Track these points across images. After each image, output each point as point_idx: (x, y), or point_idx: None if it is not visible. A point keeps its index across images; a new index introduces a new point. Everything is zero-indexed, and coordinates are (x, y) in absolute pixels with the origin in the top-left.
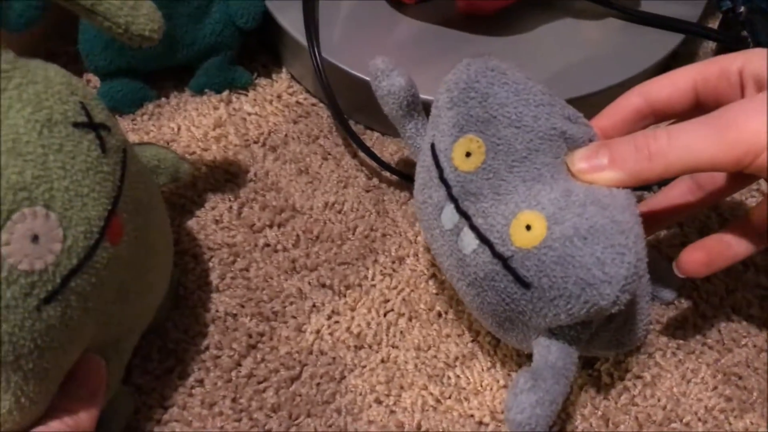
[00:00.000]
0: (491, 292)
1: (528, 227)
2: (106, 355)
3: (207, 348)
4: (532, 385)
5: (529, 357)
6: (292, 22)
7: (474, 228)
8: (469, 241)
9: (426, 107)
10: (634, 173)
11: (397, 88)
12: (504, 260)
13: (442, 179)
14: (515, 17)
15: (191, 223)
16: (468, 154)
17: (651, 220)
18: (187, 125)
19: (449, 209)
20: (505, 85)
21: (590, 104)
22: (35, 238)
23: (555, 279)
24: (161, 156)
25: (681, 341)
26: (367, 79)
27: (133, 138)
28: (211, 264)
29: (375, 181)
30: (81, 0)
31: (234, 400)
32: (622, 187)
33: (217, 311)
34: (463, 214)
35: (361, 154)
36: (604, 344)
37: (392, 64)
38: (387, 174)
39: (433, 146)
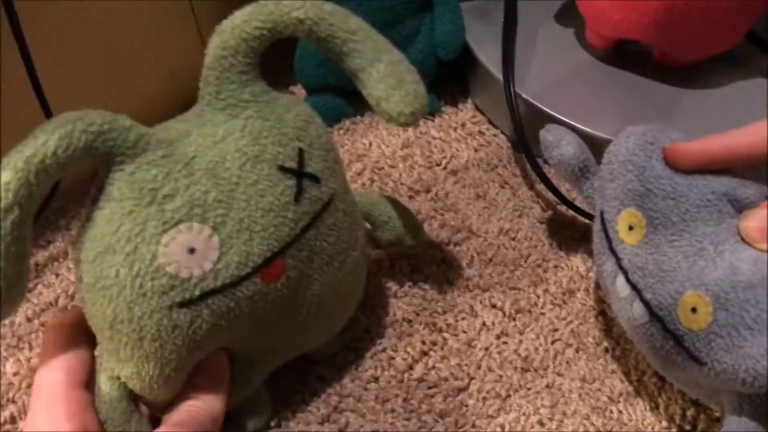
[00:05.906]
0: (670, 362)
1: (693, 309)
2: (254, 358)
3: (384, 349)
4: None
5: (695, 403)
6: (488, 56)
7: (645, 302)
8: (641, 312)
9: None
10: None
11: (567, 157)
12: (676, 338)
13: (612, 250)
14: (709, 71)
15: None
16: (631, 228)
17: None
18: (378, 143)
19: (621, 279)
20: (663, 158)
21: None
22: (192, 251)
23: (726, 364)
24: (395, 214)
25: None
26: (555, 114)
27: None
28: (391, 271)
29: (550, 213)
30: (348, 64)
31: (405, 400)
32: None
33: (394, 315)
34: (633, 287)
35: (538, 187)
36: None
37: (561, 133)
38: (563, 209)
39: (602, 215)
